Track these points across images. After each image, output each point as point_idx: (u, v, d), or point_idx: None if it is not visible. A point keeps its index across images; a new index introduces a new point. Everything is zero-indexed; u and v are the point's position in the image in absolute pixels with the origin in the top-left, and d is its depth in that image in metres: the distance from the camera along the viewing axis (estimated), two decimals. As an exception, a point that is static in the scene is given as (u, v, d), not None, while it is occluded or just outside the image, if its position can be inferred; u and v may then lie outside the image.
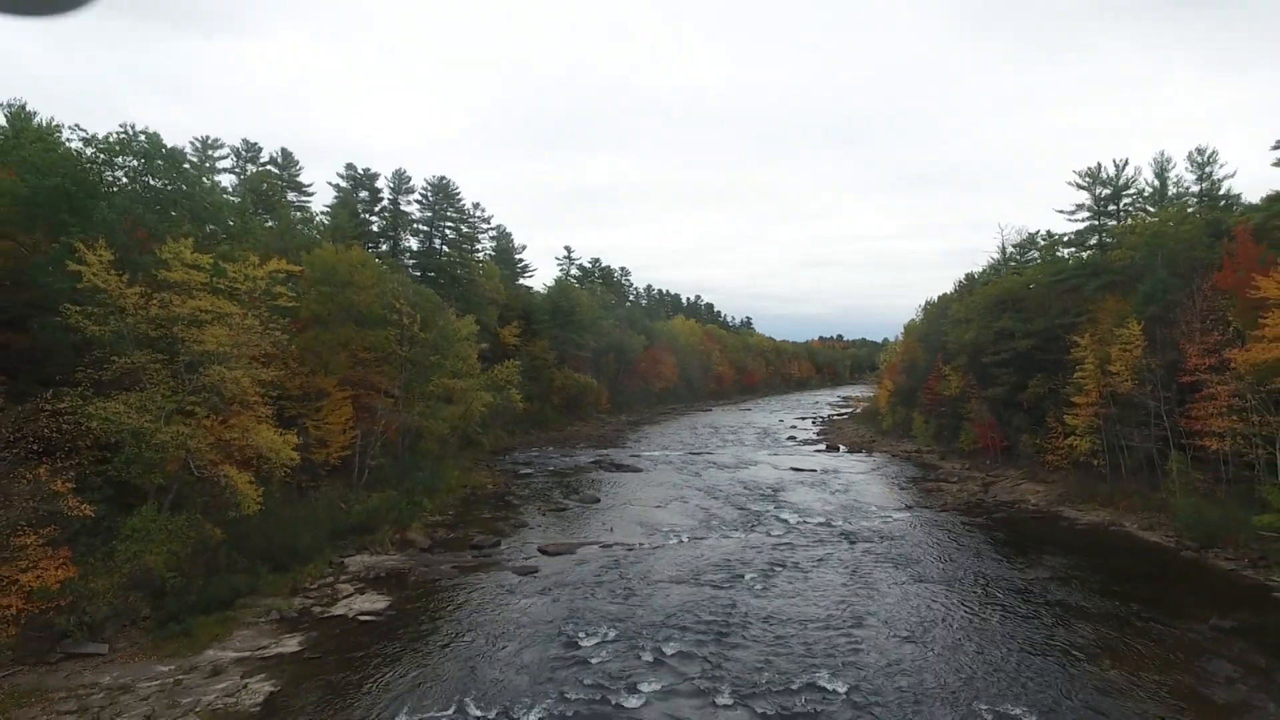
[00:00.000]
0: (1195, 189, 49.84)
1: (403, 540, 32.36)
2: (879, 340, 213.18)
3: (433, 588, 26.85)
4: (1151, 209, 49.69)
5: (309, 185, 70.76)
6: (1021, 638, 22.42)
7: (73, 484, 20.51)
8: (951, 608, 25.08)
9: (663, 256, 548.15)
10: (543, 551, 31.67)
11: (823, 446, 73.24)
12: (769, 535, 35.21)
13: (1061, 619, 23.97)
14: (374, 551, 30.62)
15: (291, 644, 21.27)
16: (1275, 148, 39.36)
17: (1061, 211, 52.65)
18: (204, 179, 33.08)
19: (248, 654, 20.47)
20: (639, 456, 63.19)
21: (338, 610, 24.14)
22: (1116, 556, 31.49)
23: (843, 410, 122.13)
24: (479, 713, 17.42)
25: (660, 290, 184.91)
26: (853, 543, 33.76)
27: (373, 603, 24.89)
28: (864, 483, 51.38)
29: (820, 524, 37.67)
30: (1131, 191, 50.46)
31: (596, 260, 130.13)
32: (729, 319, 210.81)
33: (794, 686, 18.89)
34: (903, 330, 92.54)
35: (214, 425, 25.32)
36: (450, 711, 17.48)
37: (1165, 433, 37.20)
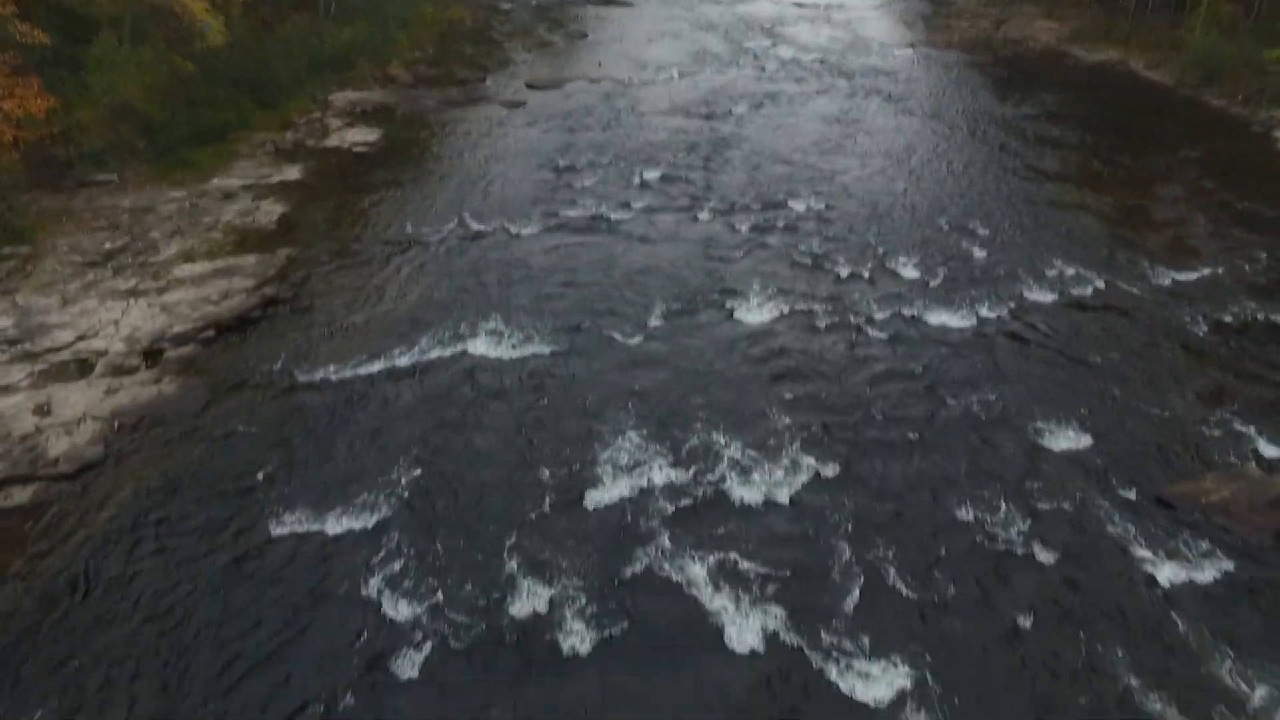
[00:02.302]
0: None
1: (384, 77, 31.37)
2: None
3: (421, 121, 26.96)
4: None
5: None
6: (996, 164, 23.42)
7: (16, 8, 19.07)
8: (935, 138, 25.66)
9: None
10: (530, 86, 31.00)
11: (831, -21, 66.43)
12: (763, 71, 34.12)
13: (1039, 150, 24.74)
14: (356, 88, 29.92)
15: (293, 172, 22.11)
16: None
17: None
18: None
19: (252, 181, 21.41)
20: (629, -10, 57.59)
21: (331, 142, 24.58)
22: (1111, 94, 31.18)
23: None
24: (479, 226, 18.97)
25: None
26: (848, 78, 32.90)
27: (364, 135, 25.21)
28: (869, 19, 47.93)
29: (816, 59, 36.21)
30: None
31: None
32: None
33: (772, 204, 20.28)
34: None
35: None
36: (453, 224, 19.01)
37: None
